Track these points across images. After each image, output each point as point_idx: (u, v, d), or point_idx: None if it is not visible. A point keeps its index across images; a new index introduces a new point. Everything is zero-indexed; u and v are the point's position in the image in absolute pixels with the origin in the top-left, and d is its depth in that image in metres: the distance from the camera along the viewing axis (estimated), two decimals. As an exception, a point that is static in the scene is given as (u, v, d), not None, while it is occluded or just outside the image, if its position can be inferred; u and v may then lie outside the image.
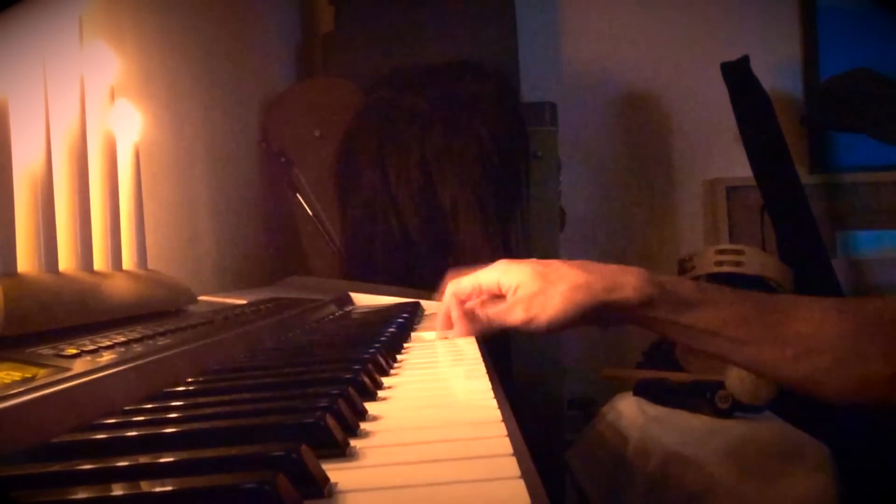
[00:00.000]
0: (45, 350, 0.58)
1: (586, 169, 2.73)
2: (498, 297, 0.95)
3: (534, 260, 0.95)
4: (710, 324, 0.88)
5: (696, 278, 2.26)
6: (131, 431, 0.45)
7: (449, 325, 0.97)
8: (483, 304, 0.95)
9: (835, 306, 0.90)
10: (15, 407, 0.43)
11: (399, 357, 0.81)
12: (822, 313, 0.88)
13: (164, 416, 0.50)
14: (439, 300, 1.02)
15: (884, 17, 2.70)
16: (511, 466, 0.40)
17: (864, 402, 0.86)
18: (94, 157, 0.84)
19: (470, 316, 0.95)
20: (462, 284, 0.97)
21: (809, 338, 0.86)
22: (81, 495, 0.34)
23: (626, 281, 0.89)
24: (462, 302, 0.97)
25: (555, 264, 0.93)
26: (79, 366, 0.53)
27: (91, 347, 0.60)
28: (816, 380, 0.86)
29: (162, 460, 0.38)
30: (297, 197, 1.93)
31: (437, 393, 0.64)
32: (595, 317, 0.90)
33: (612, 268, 0.92)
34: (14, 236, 0.66)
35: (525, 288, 0.91)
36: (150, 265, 0.99)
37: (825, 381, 0.86)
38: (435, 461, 0.43)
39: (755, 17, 2.74)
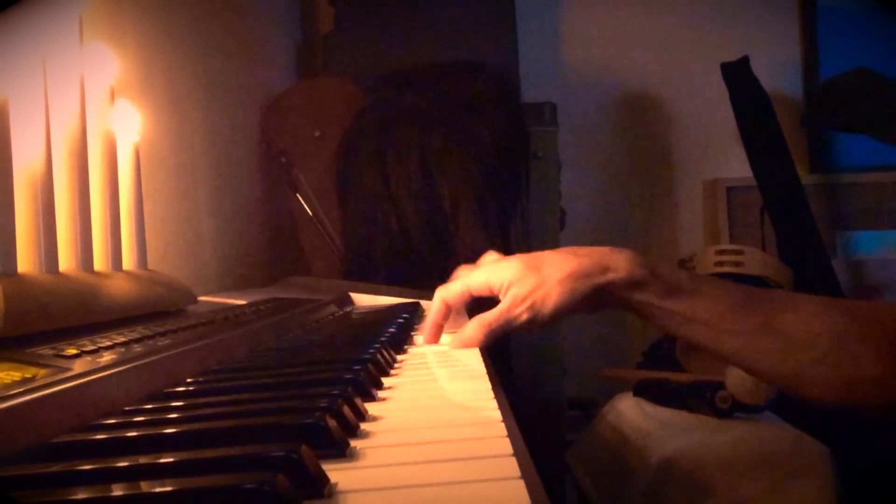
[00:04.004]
0: (45, 350, 0.57)
1: (586, 169, 2.73)
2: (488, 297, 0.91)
3: (519, 255, 0.93)
4: (699, 312, 0.87)
5: (696, 278, 2.26)
6: (131, 432, 0.45)
7: (437, 335, 0.93)
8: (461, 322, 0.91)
9: (827, 303, 0.89)
10: (15, 407, 0.43)
11: (399, 357, 0.81)
12: (813, 309, 0.86)
13: (164, 416, 0.50)
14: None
15: (884, 17, 2.69)
16: (511, 467, 0.40)
17: (849, 402, 0.85)
18: (94, 157, 0.84)
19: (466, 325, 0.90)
20: (451, 290, 0.93)
21: (798, 333, 0.84)
22: (81, 495, 0.34)
23: (617, 262, 0.88)
24: (449, 308, 0.93)
25: (542, 255, 0.91)
26: (79, 366, 0.53)
27: (91, 347, 0.60)
28: (802, 377, 0.84)
29: (162, 460, 0.38)
30: (297, 197, 1.93)
31: (437, 393, 0.64)
32: (591, 301, 0.88)
33: (602, 249, 0.90)
34: (14, 236, 0.66)
35: (519, 286, 0.88)
36: (151, 265, 0.99)
37: (811, 379, 0.84)
38: (435, 461, 0.43)
39: (755, 17, 2.74)
